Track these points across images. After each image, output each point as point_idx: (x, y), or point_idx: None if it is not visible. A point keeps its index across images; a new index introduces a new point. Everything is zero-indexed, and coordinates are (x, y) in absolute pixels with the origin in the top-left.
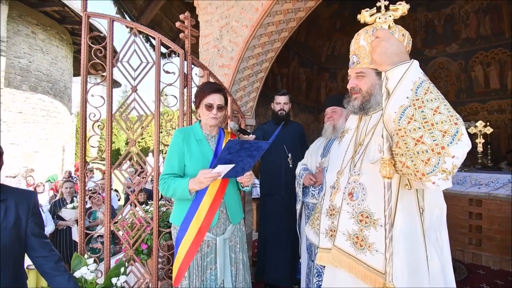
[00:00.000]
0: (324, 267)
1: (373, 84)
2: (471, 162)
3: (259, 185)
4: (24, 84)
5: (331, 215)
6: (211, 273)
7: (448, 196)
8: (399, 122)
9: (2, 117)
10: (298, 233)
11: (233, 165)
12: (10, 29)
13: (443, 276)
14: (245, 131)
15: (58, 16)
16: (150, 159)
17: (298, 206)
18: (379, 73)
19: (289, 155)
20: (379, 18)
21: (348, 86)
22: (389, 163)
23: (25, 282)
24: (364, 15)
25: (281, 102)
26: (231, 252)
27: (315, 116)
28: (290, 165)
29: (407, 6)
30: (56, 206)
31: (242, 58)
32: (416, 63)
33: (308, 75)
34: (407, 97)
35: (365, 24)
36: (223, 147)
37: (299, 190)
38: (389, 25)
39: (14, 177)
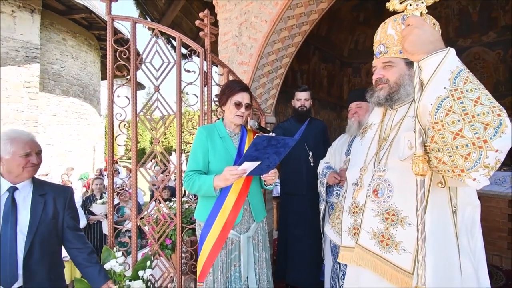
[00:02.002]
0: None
1: (402, 75)
2: (511, 161)
3: (279, 184)
4: (57, 88)
5: (354, 212)
6: (235, 269)
7: (485, 197)
8: (435, 115)
9: (39, 119)
10: (322, 234)
11: (259, 162)
12: (43, 36)
13: (476, 278)
14: (265, 129)
15: (86, 22)
16: (173, 158)
17: (322, 206)
18: (408, 63)
19: (310, 153)
20: (410, 5)
21: (374, 77)
22: (423, 159)
23: (62, 271)
24: (394, 3)
25: (301, 98)
26: (254, 250)
27: (338, 113)
28: (311, 164)
29: None
30: (87, 202)
31: (261, 55)
32: (452, 51)
33: (330, 70)
34: (445, 88)
35: (392, 14)
36: (246, 144)
37: (322, 190)
38: (421, 12)
39: (46, 175)
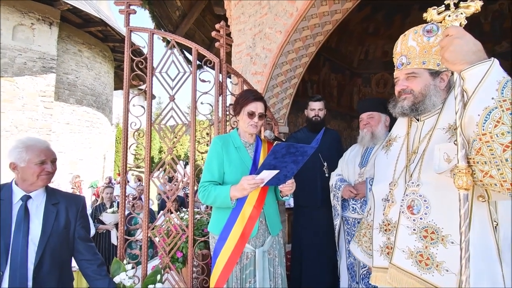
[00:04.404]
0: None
1: (427, 85)
2: None
3: (292, 195)
4: (72, 97)
5: (385, 230)
6: (250, 286)
7: None
8: (483, 126)
9: (52, 127)
10: (337, 250)
11: (277, 171)
12: (60, 48)
13: None
14: (280, 140)
15: (101, 35)
16: (179, 167)
17: (337, 222)
18: (433, 73)
19: (325, 164)
20: (449, 16)
21: (397, 88)
22: (466, 173)
23: (71, 283)
24: (432, 13)
25: (315, 108)
26: (270, 266)
27: (348, 123)
28: (326, 174)
29: (480, 3)
30: (97, 211)
31: (275, 64)
32: (497, 61)
33: (340, 80)
34: (493, 98)
35: (402, 25)
36: (261, 155)
37: (337, 204)
38: (460, 22)
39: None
